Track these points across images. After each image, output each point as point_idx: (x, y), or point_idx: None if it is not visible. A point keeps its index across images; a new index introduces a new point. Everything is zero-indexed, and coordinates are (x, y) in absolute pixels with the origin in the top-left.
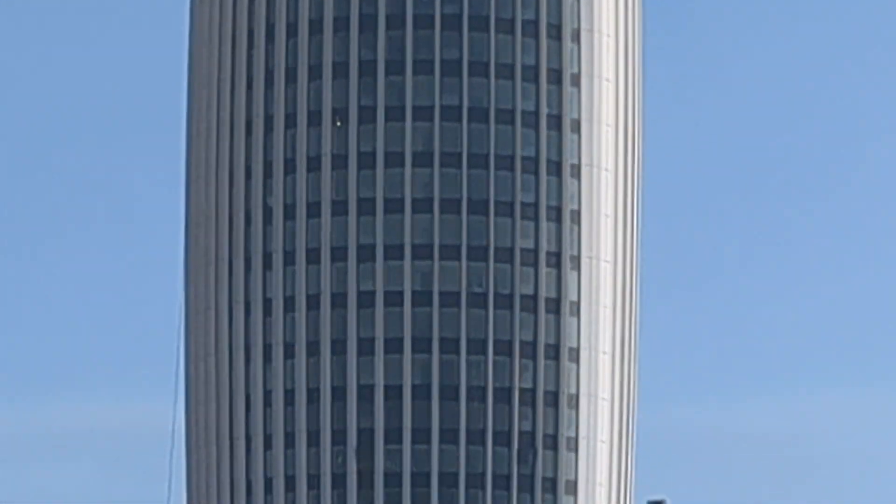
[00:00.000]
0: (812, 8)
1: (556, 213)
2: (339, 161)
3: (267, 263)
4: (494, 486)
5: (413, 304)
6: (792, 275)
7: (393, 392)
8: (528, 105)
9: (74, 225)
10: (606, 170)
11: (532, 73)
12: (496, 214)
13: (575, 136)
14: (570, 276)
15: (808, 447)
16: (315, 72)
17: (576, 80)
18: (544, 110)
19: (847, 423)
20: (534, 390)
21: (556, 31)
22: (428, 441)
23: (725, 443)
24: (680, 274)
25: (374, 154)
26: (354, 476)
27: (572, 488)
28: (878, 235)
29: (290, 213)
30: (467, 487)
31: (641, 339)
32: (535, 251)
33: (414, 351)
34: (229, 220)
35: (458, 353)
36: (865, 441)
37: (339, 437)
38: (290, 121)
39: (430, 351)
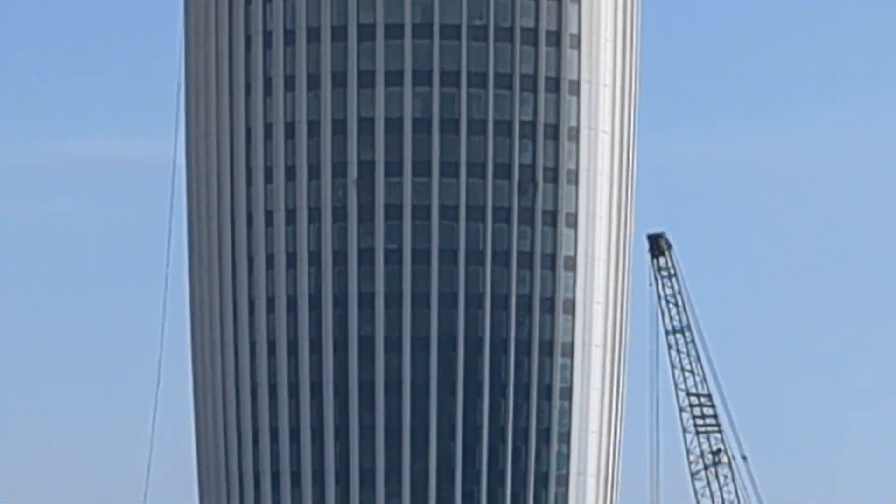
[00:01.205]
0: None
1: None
2: (339, 169)
3: None
4: (495, 219)
5: (413, 37)
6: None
7: (393, 125)
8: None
9: None
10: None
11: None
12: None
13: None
14: (570, 7)
15: (808, 175)
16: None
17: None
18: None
19: (853, 151)
20: (534, 123)
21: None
22: (428, 174)
23: (725, 174)
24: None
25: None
26: (355, 209)
27: (573, 221)
28: None
29: None
30: (467, 220)
31: (642, 70)
32: None
33: (414, 84)
34: None
35: (458, 86)
36: (871, 167)
37: (339, 169)
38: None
39: (430, 84)
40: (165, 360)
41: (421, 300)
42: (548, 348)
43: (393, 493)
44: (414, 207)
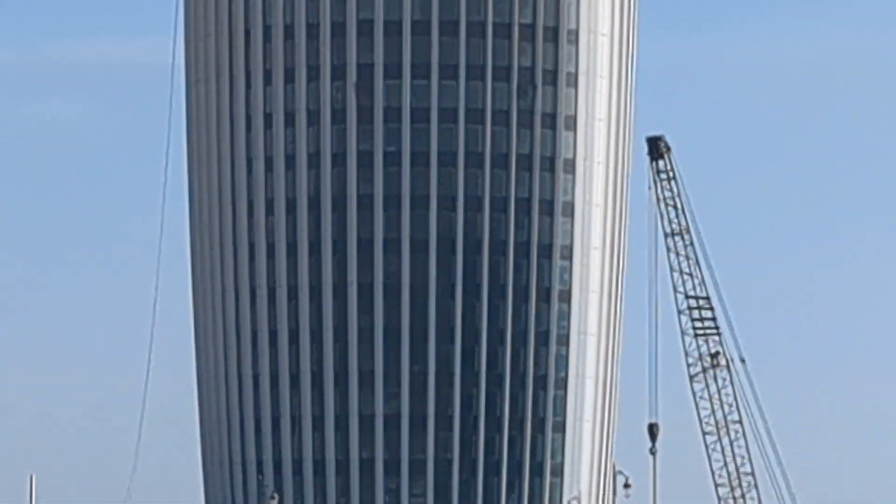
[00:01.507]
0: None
1: None
2: (338, 71)
3: None
4: (494, 122)
5: None
6: None
7: (392, 28)
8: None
9: None
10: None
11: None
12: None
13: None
14: None
15: (807, 77)
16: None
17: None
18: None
19: (853, 52)
20: (533, 25)
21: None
22: (427, 76)
23: (725, 77)
24: None
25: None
26: (354, 112)
27: (572, 123)
28: None
29: None
30: (466, 123)
31: None
32: None
33: None
34: None
35: None
36: (873, 68)
37: (338, 71)
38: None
39: None
40: (164, 262)
41: (420, 202)
42: (546, 251)
43: (392, 394)
44: (413, 110)
